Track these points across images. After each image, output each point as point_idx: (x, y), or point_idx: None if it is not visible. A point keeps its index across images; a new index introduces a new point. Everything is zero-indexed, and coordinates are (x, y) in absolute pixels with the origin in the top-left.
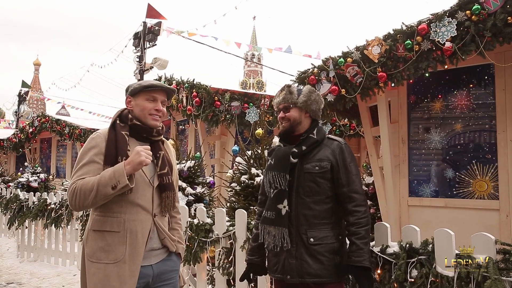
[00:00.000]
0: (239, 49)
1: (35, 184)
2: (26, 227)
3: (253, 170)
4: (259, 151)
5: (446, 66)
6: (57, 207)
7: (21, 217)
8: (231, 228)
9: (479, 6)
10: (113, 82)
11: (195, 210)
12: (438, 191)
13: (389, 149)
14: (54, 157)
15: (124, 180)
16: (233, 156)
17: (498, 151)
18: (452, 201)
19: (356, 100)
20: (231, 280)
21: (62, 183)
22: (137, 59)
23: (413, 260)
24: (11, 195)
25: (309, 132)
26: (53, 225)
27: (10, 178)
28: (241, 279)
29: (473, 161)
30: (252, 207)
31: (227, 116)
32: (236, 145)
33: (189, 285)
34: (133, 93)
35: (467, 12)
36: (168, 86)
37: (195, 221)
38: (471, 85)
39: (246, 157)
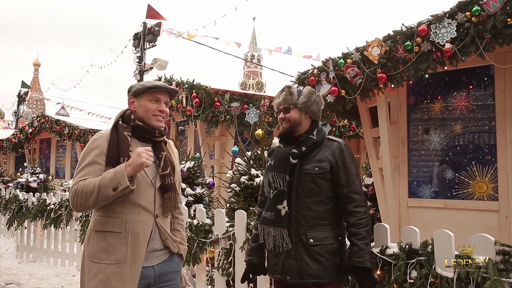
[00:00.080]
0: (239, 49)
1: (34, 185)
2: (25, 228)
3: (253, 171)
4: (259, 152)
5: (446, 68)
6: (56, 208)
7: (20, 218)
8: (230, 228)
9: (479, 8)
10: (112, 82)
11: (194, 211)
12: (438, 192)
13: (389, 150)
14: (54, 158)
15: (125, 182)
16: (233, 156)
17: (497, 152)
18: (452, 202)
19: (356, 101)
20: (231, 281)
21: (62, 183)
22: (137, 60)
23: (412, 261)
24: (11, 195)
25: (309, 133)
26: (53, 225)
27: (9, 179)
28: (242, 281)
29: (473, 162)
30: (251, 208)
31: (227, 117)
32: (235, 146)
33: (189, 286)
34: (136, 94)
35: (467, 13)
36: (171, 87)
37: (195, 221)
38: (471, 87)
39: (245, 158)
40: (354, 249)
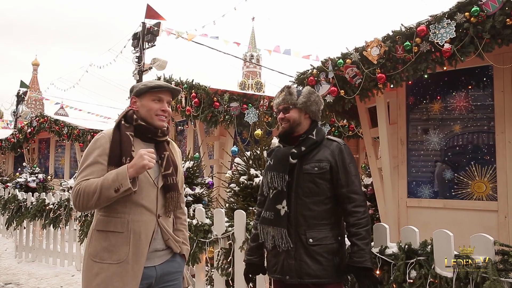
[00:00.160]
0: (238, 49)
1: (33, 185)
2: (24, 228)
3: (252, 171)
4: (258, 152)
5: (445, 68)
6: (55, 208)
7: (19, 218)
8: (230, 228)
9: (478, 8)
10: (111, 82)
11: (194, 211)
12: (437, 192)
13: (388, 150)
14: (53, 158)
15: (127, 184)
16: (232, 156)
17: (496, 153)
18: (451, 202)
19: (355, 101)
20: (230, 281)
21: (61, 183)
22: (136, 60)
23: (412, 261)
24: (9, 195)
25: (308, 133)
26: (52, 225)
27: (8, 178)
28: (247, 281)
29: (472, 162)
30: (251, 208)
31: (226, 116)
32: (235, 146)
33: (191, 286)
34: (138, 93)
35: (466, 14)
36: (173, 86)
37: (194, 221)
38: (470, 87)
39: (245, 157)
40: (354, 249)
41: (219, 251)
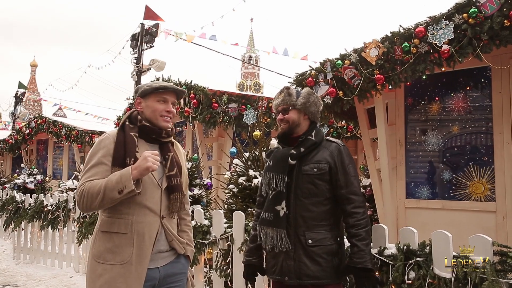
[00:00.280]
0: (237, 50)
1: (31, 186)
2: (22, 229)
3: (251, 172)
4: (257, 153)
5: (443, 69)
6: (53, 209)
7: (17, 219)
8: (228, 230)
9: (476, 9)
10: (110, 83)
11: (192, 212)
12: (435, 193)
13: (386, 151)
14: (51, 159)
15: (131, 185)
16: (231, 157)
17: (494, 153)
18: (449, 203)
19: (354, 102)
20: (229, 282)
21: (59, 184)
22: (135, 61)
23: (410, 262)
24: (7, 196)
25: (307, 134)
26: (50, 227)
27: (6, 180)
28: (249, 280)
29: (470, 163)
30: (249, 209)
31: (225, 118)
32: (233, 147)
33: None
34: (143, 94)
35: (464, 15)
36: (178, 87)
37: (193, 223)
38: (468, 88)
39: (243, 159)
40: (354, 250)
41: (217, 252)
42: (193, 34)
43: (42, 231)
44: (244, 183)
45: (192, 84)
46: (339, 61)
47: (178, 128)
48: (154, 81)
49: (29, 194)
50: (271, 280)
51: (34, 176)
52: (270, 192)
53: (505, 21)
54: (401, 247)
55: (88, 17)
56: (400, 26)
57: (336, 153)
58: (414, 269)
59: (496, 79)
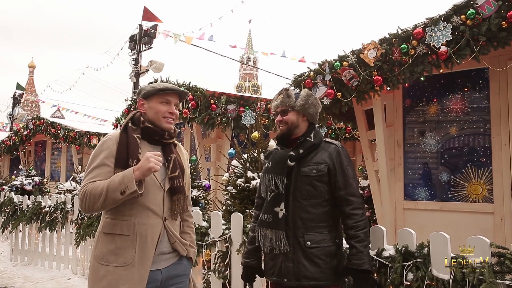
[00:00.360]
0: (235, 51)
1: (29, 187)
2: (20, 231)
3: (249, 173)
4: (255, 154)
5: (441, 70)
6: (51, 211)
7: (15, 221)
8: (227, 231)
9: (474, 11)
10: (108, 85)
11: None
12: (433, 194)
13: (385, 152)
14: (49, 160)
15: (133, 186)
16: (229, 159)
17: (492, 155)
18: (447, 204)
19: (352, 103)
20: (227, 284)
21: (57, 186)
22: (133, 62)
23: (409, 263)
24: (5, 198)
25: (306, 136)
26: (48, 228)
27: (4, 181)
28: (248, 282)
29: (468, 165)
30: (248, 211)
31: (223, 119)
32: (232, 148)
33: None
34: (146, 96)
35: (462, 16)
36: (181, 89)
37: None
38: (466, 89)
39: (242, 160)
40: (353, 251)
41: (216, 254)
42: (191, 36)
43: (40, 232)
44: (243, 184)
45: (191, 85)
46: (337, 63)
47: (176, 130)
48: (152, 82)
49: (27, 196)
50: (269, 282)
51: (32, 177)
52: (269, 193)
53: (503, 22)
54: (399, 249)
55: (87, 17)
56: (398, 27)
57: (335, 154)
58: (412, 270)
59: (494, 80)
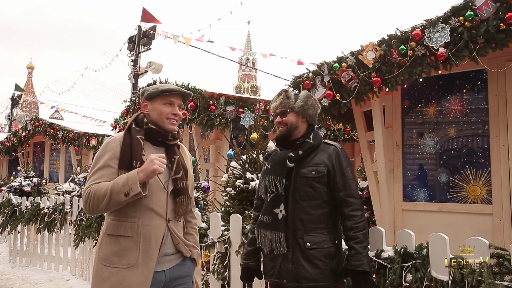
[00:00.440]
0: (234, 52)
1: (28, 189)
2: (19, 232)
3: (248, 175)
4: (254, 156)
5: (439, 72)
6: (50, 212)
7: (14, 222)
8: (226, 232)
9: (472, 13)
10: (107, 86)
11: None
12: (432, 195)
13: (383, 153)
14: (47, 161)
15: (137, 188)
16: (228, 160)
17: (491, 156)
18: (446, 205)
19: (351, 104)
20: (226, 285)
21: (56, 187)
22: (132, 63)
23: (407, 264)
24: (4, 199)
25: (305, 137)
26: (46, 229)
27: (2, 182)
28: (246, 283)
29: (467, 166)
30: (247, 212)
31: (222, 120)
32: (231, 150)
33: None
34: (149, 97)
35: (460, 18)
36: (185, 90)
37: None
38: (465, 91)
39: (241, 161)
40: (352, 252)
41: (215, 255)
42: (190, 37)
43: (39, 234)
44: (242, 185)
45: (189, 86)
46: (336, 64)
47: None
48: (151, 84)
49: (25, 197)
50: (268, 283)
51: (31, 178)
52: (268, 195)
53: (501, 24)
54: (398, 250)
55: (87, 18)
56: (397, 29)
57: (334, 156)
58: (411, 271)
59: (492, 81)
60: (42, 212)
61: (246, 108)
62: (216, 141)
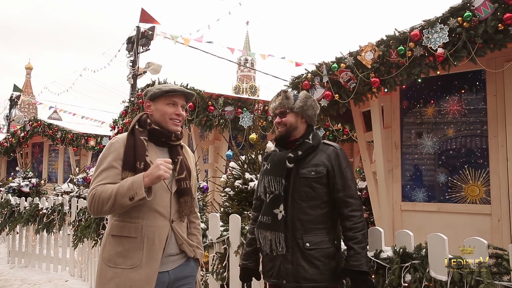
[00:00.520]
0: (232, 54)
1: (26, 189)
2: (17, 233)
3: (247, 175)
4: (253, 156)
5: (438, 72)
6: (49, 212)
7: (12, 222)
8: (225, 233)
9: (470, 13)
10: (106, 86)
11: None
12: (431, 195)
13: (382, 154)
14: (46, 162)
15: (142, 193)
16: (227, 161)
17: (489, 156)
18: (445, 205)
19: (350, 105)
20: (225, 286)
21: (54, 188)
22: (131, 64)
23: (406, 264)
24: (2, 200)
25: (305, 137)
26: (45, 230)
27: (1, 183)
28: (245, 282)
29: (465, 166)
30: (246, 212)
31: (221, 121)
32: (229, 150)
33: None
34: (153, 97)
35: (459, 19)
36: (188, 90)
37: None
38: (463, 91)
39: (240, 162)
40: (351, 252)
41: (214, 256)
42: (189, 37)
43: (37, 234)
44: (240, 186)
45: (188, 87)
46: (335, 64)
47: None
48: (149, 84)
49: (24, 198)
50: (267, 284)
51: (29, 179)
52: (268, 195)
53: (499, 24)
54: (397, 250)
55: (87, 18)
56: (396, 29)
57: (334, 156)
58: (410, 272)
59: (490, 82)
60: (40, 212)
61: (245, 109)
62: (215, 142)
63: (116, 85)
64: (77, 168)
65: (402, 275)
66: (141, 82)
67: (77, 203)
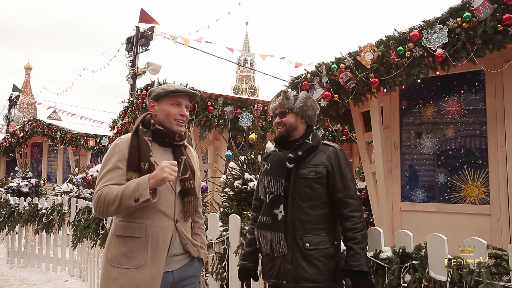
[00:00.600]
0: (232, 54)
1: (25, 189)
2: (17, 233)
3: (247, 175)
4: (252, 156)
5: (437, 73)
6: (48, 213)
7: (12, 223)
8: (224, 233)
9: (469, 14)
10: (105, 86)
11: None
12: (430, 196)
13: (382, 154)
14: (45, 162)
15: (147, 194)
16: (226, 161)
17: (489, 157)
18: (444, 206)
19: (349, 105)
20: (225, 286)
21: (54, 188)
22: (130, 64)
23: (406, 265)
24: (1, 200)
25: (304, 138)
26: (44, 230)
27: (0, 183)
28: (244, 282)
29: (465, 166)
30: (245, 212)
31: (220, 121)
32: (229, 150)
33: None
34: (156, 98)
35: (458, 19)
36: (192, 90)
37: None
38: (462, 91)
39: (239, 162)
40: (350, 253)
41: (213, 256)
42: (188, 37)
43: (37, 234)
44: (240, 186)
45: (188, 87)
46: (334, 65)
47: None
48: (149, 85)
49: (23, 198)
50: (267, 284)
51: (29, 179)
52: (268, 195)
53: (498, 25)
54: (396, 250)
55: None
56: (395, 30)
57: (334, 157)
58: (410, 272)
59: (489, 82)
60: (40, 213)
61: (244, 109)
62: (214, 142)
63: (115, 85)
64: (77, 168)
65: (402, 275)
66: (141, 82)
67: (77, 203)
